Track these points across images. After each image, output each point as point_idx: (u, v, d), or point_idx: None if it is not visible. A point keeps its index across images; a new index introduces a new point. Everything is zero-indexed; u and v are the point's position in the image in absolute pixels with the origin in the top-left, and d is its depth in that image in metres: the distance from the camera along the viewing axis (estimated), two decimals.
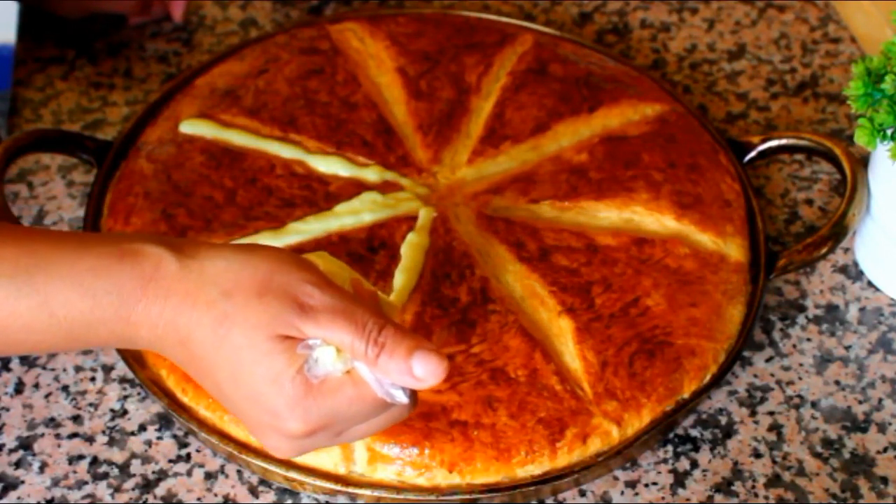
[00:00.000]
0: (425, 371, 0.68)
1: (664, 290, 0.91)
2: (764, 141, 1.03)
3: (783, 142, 1.02)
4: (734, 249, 0.95)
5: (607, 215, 0.96)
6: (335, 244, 0.93)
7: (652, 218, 0.96)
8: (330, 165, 0.98)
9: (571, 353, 0.88)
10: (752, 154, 1.03)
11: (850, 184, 0.97)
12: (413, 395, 0.71)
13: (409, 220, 0.95)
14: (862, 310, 0.98)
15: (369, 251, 0.93)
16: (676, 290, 0.91)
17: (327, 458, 0.84)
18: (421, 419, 0.84)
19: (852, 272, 1.00)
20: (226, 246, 0.72)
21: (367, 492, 0.84)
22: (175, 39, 1.17)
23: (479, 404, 0.85)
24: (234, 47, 1.09)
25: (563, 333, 0.89)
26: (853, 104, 0.90)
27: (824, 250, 0.95)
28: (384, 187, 0.97)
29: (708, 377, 0.90)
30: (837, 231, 0.95)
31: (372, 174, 0.98)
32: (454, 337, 0.88)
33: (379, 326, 0.69)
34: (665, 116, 1.03)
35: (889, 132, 0.89)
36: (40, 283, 0.69)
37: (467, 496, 0.84)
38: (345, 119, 1.01)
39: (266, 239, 0.93)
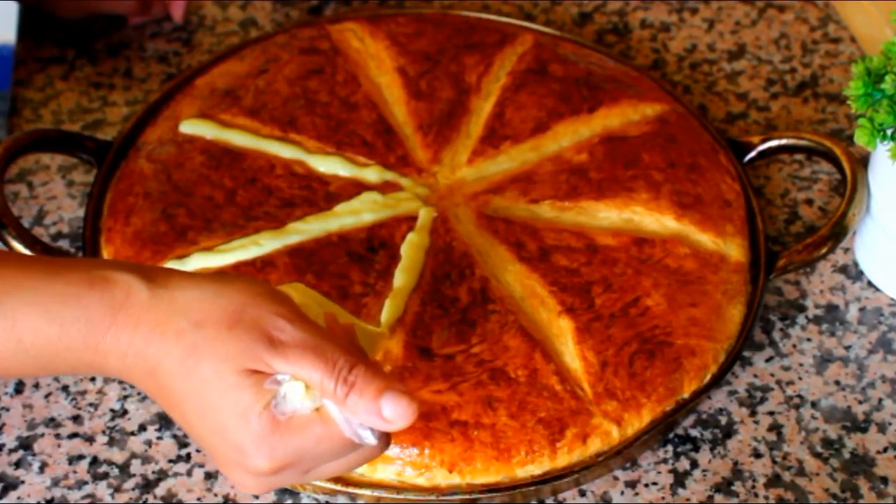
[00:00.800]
0: (394, 413, 0.67)
1: (664, 290, 0.91)
2: (764, 141, 1.03)
3: (783, 142, 1.02)
4: (734, 249, 0.95)
5: (607, 215, 0.96)
6: (335, 244, 0.93)
7: (652, 218, 0.96)
8: (330, 165, 0.98)
9: (571, 353, 0.88)
10: (752, 154, 1.03)
11: (850, 184, 0.97)
12: (384, 435, 0.69)
13: (409, 220, 0.95)
14: (862, 310, 0.98)
15: (369, 251, 0.93)
16: (676, 290, 0.91)
17: None
18: (421, 419, 0.84)
19: (852, 272, 1.00)
20: (200, 275, 0.71)
21: (367, 492, 0.84)
22: (175, 39, 1.17)
23: (479, 404, 0.85)
24: (234, 47, 1.09)
25: (563, 333, 0.89)
26: (853, 104, 0.90)
27: (824, 250, 0.95)
28: (384, 187, 0.97)
29: (708, 377, 0.90)
30: (837, 231, 0.95)
31: (372, 174, 0.98)
32: (454, 337, 0.88)
33: (350, 365, 0.67)
34: (665, 116, 1.03)
35: (889, 132, 0.89)
36: (8, 309, 0.68)
37: (467, 496, 0.84)
38: (345, 119, 1.01)
39: (266, 239, 0.93)
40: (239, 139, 1.00)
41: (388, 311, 0.88)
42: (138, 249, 0.93)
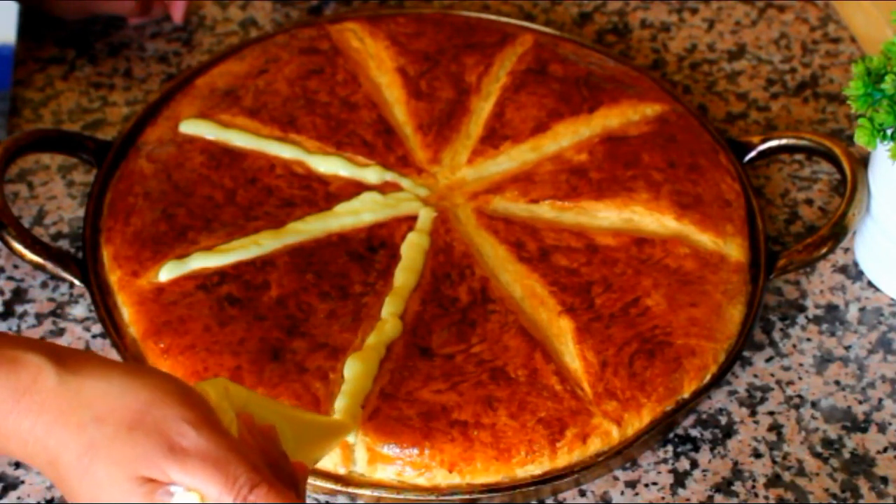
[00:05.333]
0: None
1: (664, 290, 0.91)
2: (764, 141, 1.03)
3: (783, 142, 1.02)
4: (734, 249, 0.95)
5: (607, 215, 0.96)
6: (335, 244, 0.93)
7: (652, 218, 0.96)
8: (330, 165, 0.98)
9: (571, 353, 0.88)
10: (752, 154, 1.03)
11: (850, 184, 0.97)
12: None
13: (410, 220, 0.95)
14: (862, 310, 0.98)
15: (369, 251, 0.93)
16: (676, 290, 0.91)
17: (327, 459, 0.84)
18: (421, 419, 0.84)
19: (852, 272, 1.00)
20: (116, 366, 0.68)
21: (367, 492, 0.84)
22: (175, 39, 1.16)
23: (479, 404, 0.85)
24: (234, 47, 1.09)
25: (563, 333, 0.89)
26: (853, 104, 0.90)
27: (824, 250, 0.95)
28: (384, 187, 0.97)
29: (708, 377, 0.90)
30: (837, 231, 0.95)
31: (372, 174, 0.98)
32: (454, 337, 0.88)
33: (251, 483, 0.64)
34: (665, 116, 1.03)
35: (889, 132, 0.89)
36: None
37: (467, 496, 0.84)
38: (345, 119, 1.01)
39: (266, 238, 0.93)
40: (239, 139, 1.00)
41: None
42: (138, 249, 0.93)
